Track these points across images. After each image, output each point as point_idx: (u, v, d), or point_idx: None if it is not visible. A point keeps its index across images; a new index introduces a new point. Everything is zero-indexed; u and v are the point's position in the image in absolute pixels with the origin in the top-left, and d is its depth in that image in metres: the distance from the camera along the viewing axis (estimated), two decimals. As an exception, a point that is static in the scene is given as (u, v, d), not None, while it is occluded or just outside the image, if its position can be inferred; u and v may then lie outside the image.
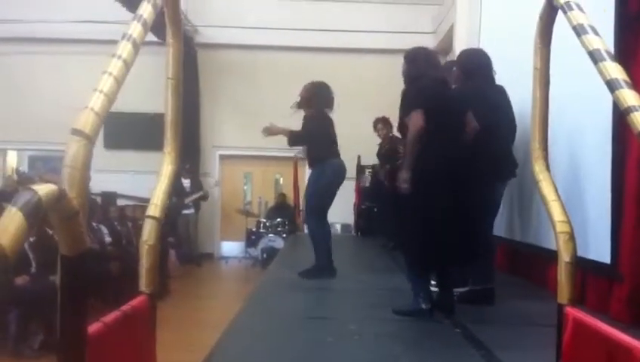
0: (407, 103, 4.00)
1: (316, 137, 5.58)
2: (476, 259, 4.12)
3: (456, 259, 3.99)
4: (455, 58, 7.43)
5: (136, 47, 1.89)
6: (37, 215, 1.20)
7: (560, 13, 2.39)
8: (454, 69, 4.84)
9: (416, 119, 3.87)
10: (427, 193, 3.82)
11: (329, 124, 5.69)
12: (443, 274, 4.10)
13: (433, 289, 4.11)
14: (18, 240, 1.13)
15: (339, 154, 5.69)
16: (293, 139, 5.68)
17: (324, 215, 5.66)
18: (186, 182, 12.48)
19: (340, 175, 5.65)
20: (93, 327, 1.65)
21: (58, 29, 12.12)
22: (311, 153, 5.70)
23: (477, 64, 4.68)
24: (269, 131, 5.59)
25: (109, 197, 11.85)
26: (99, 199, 11.49)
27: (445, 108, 3.96)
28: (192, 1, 12.33)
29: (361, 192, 10.49)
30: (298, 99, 5.74)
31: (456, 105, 4.10)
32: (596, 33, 2.08)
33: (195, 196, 12.46)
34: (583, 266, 4.18)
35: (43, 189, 1.24)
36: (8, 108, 12.75)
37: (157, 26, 2.52)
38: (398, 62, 4.36)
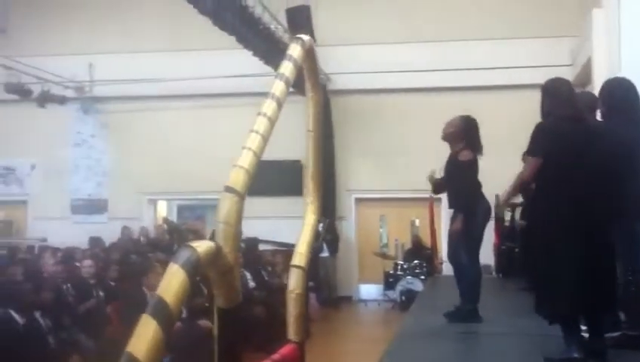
0: (531, 142, 3.89)
1: (471, 181, 5.41)
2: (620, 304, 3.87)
3: (603, 303, 3.78)
4: (594, 90, 7.09)
5: (280, 104, 1.97)
6: (197, 271, 1.27)
7: None
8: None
9: (530, 167, 3.80)
10: (558, 236, 3.69)
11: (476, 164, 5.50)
12: (593, 319, 3.88)
13: (584, 334, 3.89)
14: (181, 296, 1.19)
15: (484, 195, 5.53)
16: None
17: (477, 257, 5.57)
18: (320, 226, 12.60)
19: (488, 216, 5.59)
20: (248, 377, 1.70)
21: (201, 84, 12.91)
22: (462, 196, 5.47)
23: (617, 97, 4.41)
24: None
25: (252, 243, 12.23)
26: (242, 245, 11.90)
27: (574, 149, 3.77)
28: (321, 50, 12.66)
29: (501, 232, 10.17)
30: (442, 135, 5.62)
31: (592, 142, 3.88)
32: None
33: (322, 232, 12.18)
34: None
35: (202, 246, 1.30)
36: (158, 161, 13.63)
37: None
38: (533, 97, 4.22)
